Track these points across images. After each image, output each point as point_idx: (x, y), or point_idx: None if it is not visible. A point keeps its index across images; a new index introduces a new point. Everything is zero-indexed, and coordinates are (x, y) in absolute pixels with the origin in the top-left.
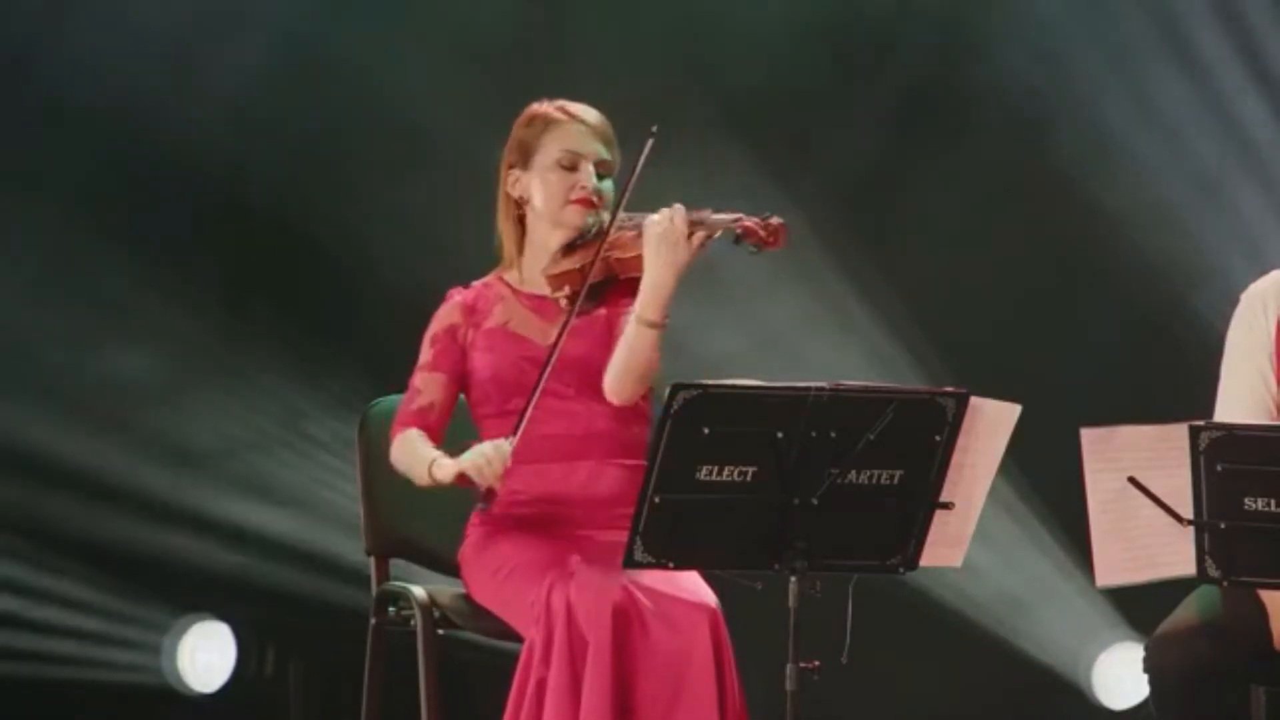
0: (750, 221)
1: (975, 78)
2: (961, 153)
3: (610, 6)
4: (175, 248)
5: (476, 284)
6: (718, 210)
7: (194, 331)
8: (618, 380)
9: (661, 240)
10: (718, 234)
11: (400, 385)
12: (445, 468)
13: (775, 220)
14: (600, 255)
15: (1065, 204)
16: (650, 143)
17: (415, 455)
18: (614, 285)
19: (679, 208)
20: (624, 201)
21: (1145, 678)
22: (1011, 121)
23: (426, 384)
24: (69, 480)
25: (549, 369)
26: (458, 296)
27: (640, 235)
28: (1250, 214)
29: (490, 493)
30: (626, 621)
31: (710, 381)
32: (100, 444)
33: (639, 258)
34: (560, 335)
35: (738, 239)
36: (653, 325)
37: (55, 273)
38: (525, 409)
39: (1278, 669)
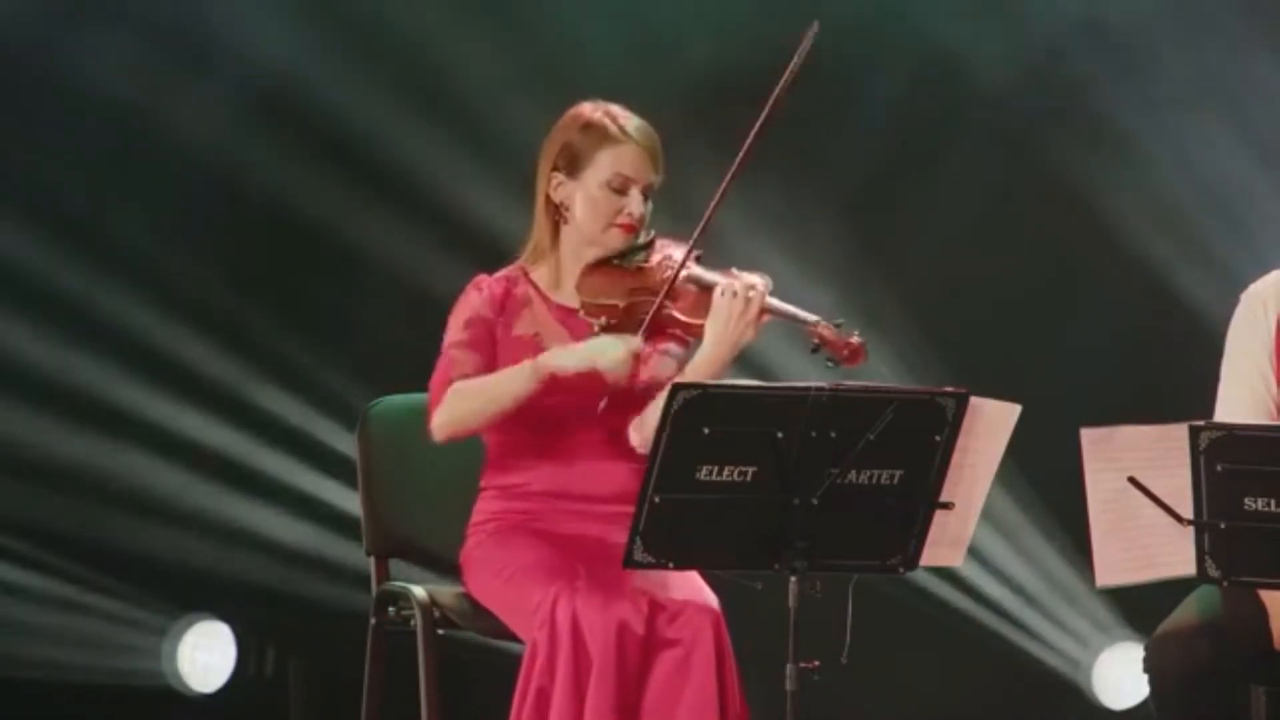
0: (829, 332)
1: (975, 79)
2: (961, 153)
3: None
4: (174, 248)
5: (501, 274)
6: (797, 304)
7: (193, 331)
8: (650, 436)
9: (731, 321)
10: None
11: (400, 385)
12: (563, 358)
13: (856, 340)
14: (656, 304)
15: (1065, 204)
16: (811, 38)
17: (492, 379)
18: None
19: (758, 289)
20: (717, 203)
21: (1145, 678)
22: (1012, 122)
23: (464, 358)
24: (68, 480)
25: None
26: (486, 289)
27: (695, 295)
28: (1251, 214)
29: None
30: (632, 638)
31: (710, 382)
32: (99, 444)
33: (693, 325)
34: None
35: (815, 349)
36: None
37: (49, 273)
38: (649, 314)
39: (1278, 669)
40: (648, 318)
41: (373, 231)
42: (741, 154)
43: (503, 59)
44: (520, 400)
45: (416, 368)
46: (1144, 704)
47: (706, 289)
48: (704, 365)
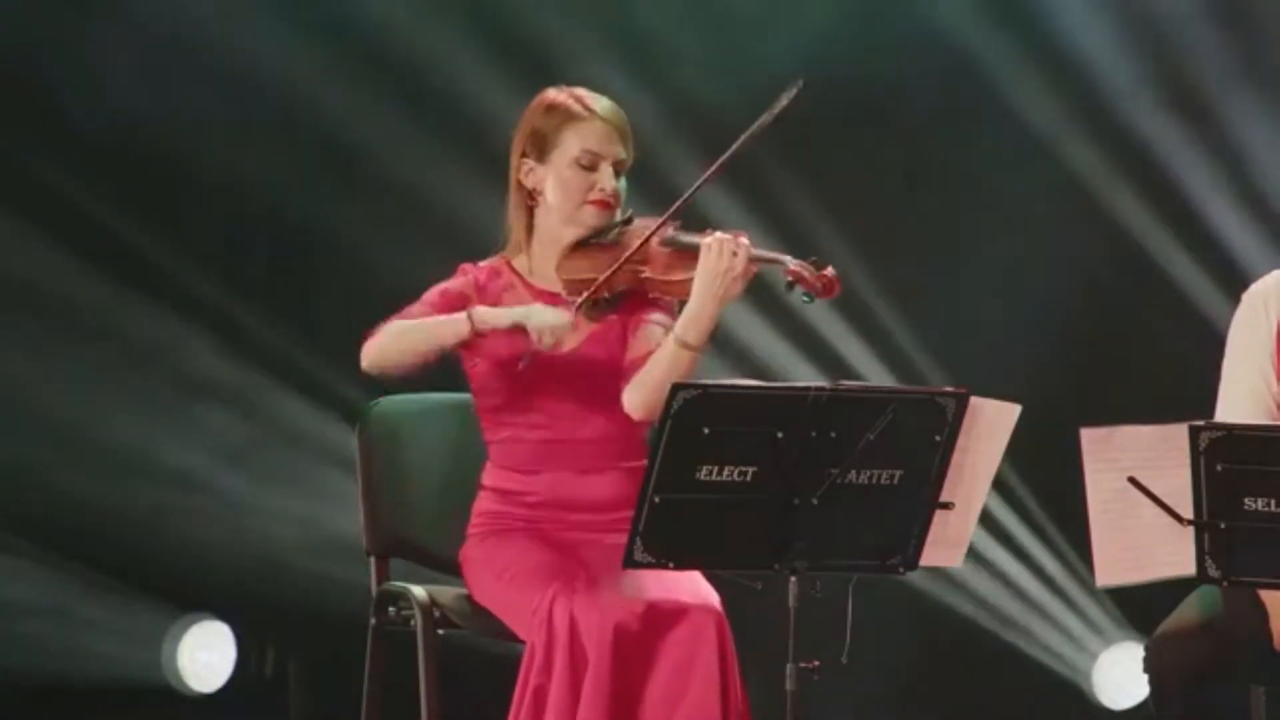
0: (804, 269)
1: (976, 81)
2: (961, 153)
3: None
4: (172, 250)
5: (485, 264)
6: (770, 248)
7: (192, 331)
8: (647, 395)
9: (719, 275)
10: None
11: (399, 385)
12: (494, 315)
13: (830, 272)
14: (626, 268)
15: (1065, 204)
16: (793, 92)
17: (428, 322)
18: (632, 294)
19: (744, 243)
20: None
21: (1145, 678)
22: (1012, 122)
23: (420, 312)
24: (68, 480)
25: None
26: (470, 274)
27: (671, 254)
28: (1251, 214)
29: (536, 355)
30: (629, 638)
31: (710, 381)
32: (99, 444)
33: (672, 283)
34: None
35: (791, 285)
36: (692, 349)
37: (48, 272)
38: (586, 293)
39: (1278, 669)
40: (614, 276)
41: (374, 231)
42: (698, 184)
43: (503, 70)
44: (446, 347)
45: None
46: (1144, 704)
47: (685, 249)
48: (696, 318)
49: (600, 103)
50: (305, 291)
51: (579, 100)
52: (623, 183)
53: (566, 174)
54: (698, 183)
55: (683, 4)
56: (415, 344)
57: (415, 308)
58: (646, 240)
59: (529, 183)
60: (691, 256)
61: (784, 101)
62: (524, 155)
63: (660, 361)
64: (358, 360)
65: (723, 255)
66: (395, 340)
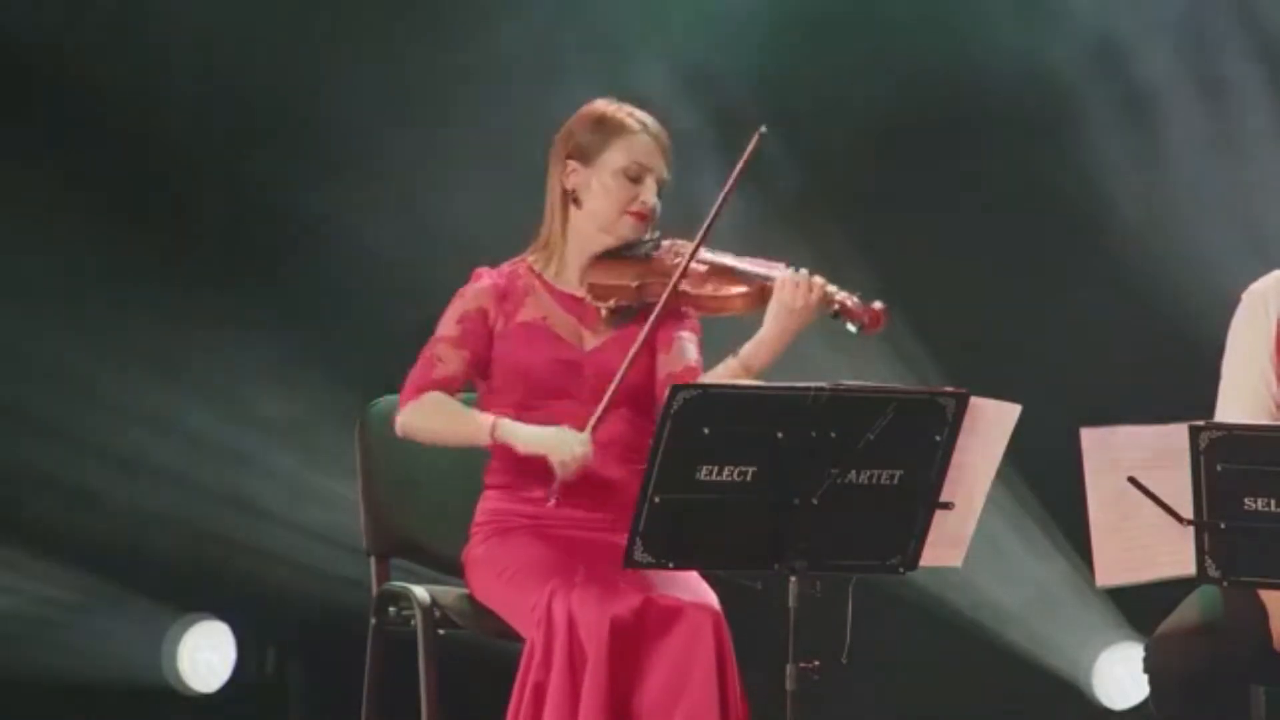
0: (851, 301)
1: (975, 80)
2: (961, 153)
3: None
4: (172, 248)
5: (504, 267)
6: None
7: (192, 331)
8: None
9: (795, 311)
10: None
11: (399, 385)
12: (520, 434)
13: (878, 306)
14: (669, 284)
15: (1065, 204)
16: (756, 141)
17: (458, 412)
18: (652, 307)
19: (818, 281)
20: (715, 218)
21: (1145, 678)
22: (1011, 122)
23: (449, 356)
24: (68, 480)
25: (616, 385)
26: (488, 279)
27: (714, 275)
28: (1251, 213)
29: (561, 486)
30: (627, 634)
31: (710, 381)
32: (99, 444)
33: (712, 299)
34: (628, 363)
35: (836, 315)
36: (753, 373)
37: (47, 271)
38: (598, 412)
39: (1278, 669)
40: (648, 287)
41: (373, 231)
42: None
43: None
44: (466, 445)
45: None
46: (1144, 704)
47: (721, 271)
48: (766, 348)
49: (648, 118)
50: (305, 291)
51: (630, 114)
52: (659, 202)
53: (611, 182)
54: (704, 226)
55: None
56: (441, 433)
57: (442, 349)
58: (690, 258)
59: (570, 184)
60: (739, 276)
61: (751, 149)
62: (570, 156)
63: (724, 378)
64: (360, 359)
65: (798, 292)
66: (428, 422)
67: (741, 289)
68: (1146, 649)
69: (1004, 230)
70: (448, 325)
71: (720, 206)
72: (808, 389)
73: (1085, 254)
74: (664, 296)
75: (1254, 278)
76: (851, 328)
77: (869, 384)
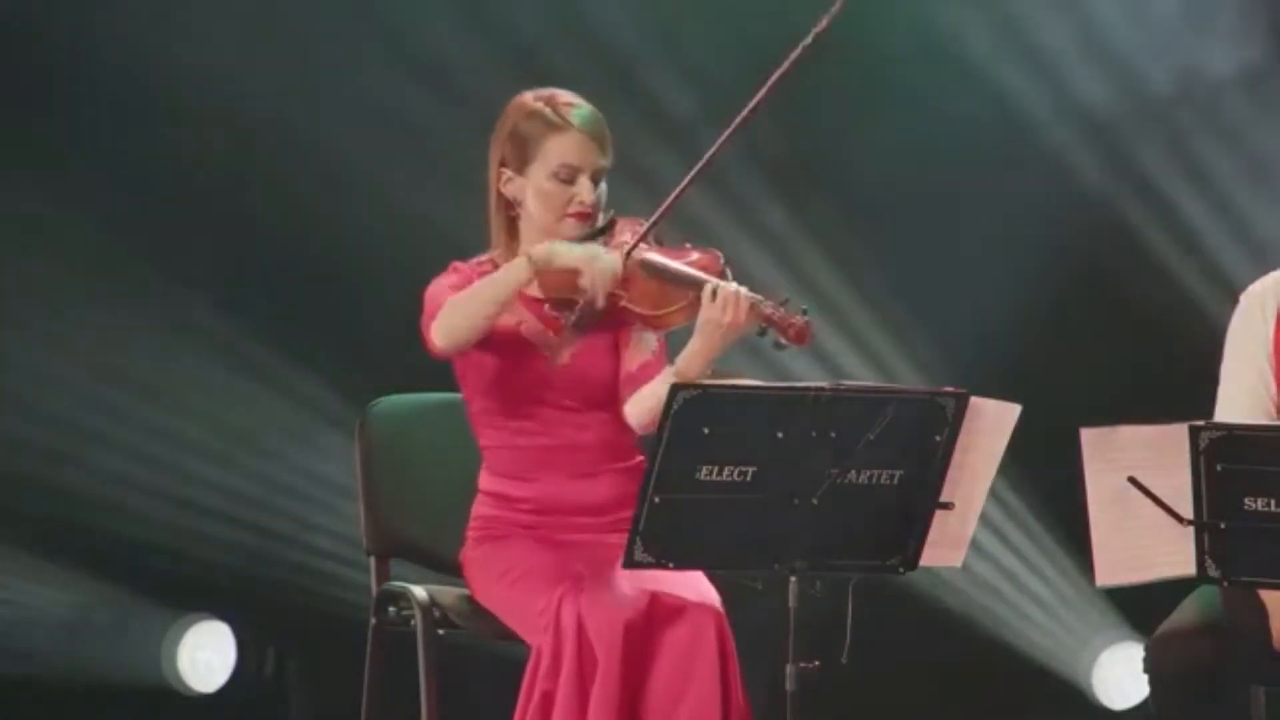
0: (775, 311)
1: (974, 79)
2: (960, 152)
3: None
4: (173, 248)
5: (474, 262)
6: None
7: (193, 331)
8: (648, 417)
9: (721, 326)
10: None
11: (400, 385)
12: (557, 251)
13: (801, 319)
14: (612, 298)
15: (1065, 204)
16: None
17: (485, 283)
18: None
19: (744, 299)
20: (655, 223)
21: (1145, 678)
22: (1010, 122)
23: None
24: (68, 480)
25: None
26: (463, 272)
27: (648, 281)
28: (1250, 213)
29: (584, 314)
30: (636, 637)
31: (710, 381)
32: (99, 444)
33: (654, 317)
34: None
35: (762, 331)
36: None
37: (47, 272)
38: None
39: (1278, 669)
40: (596, 301)
41: (373, 232)
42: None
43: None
44: (512, 298)
45: (416, 368)
46: (1144, 704)
47: (671, 279)
48: (699, 361)
49: (577, 111)
50: (306, 291)
51: (556, 109)
52: (603, 187)
53: (546, 187)
54: (674, 192)
55: None
56: (483, 305)
57: (441, 290)
58: (629, 254)
59: (508, 192)
60: (673, 286)
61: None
62: (503, 165)
63: (660, 390)
64: (360, 359)
65: (726, 309)
66: (462, 311)
67: (678, 305)
68: (1146, 649)
69: (1005, 229)
70: (447, 277)
71: (680, 193)
72: (808, 389)
73: (1086, 253)
74: (598, 299)
75: (1253, 278)
76: (782, 341)
77: (869, 384)
